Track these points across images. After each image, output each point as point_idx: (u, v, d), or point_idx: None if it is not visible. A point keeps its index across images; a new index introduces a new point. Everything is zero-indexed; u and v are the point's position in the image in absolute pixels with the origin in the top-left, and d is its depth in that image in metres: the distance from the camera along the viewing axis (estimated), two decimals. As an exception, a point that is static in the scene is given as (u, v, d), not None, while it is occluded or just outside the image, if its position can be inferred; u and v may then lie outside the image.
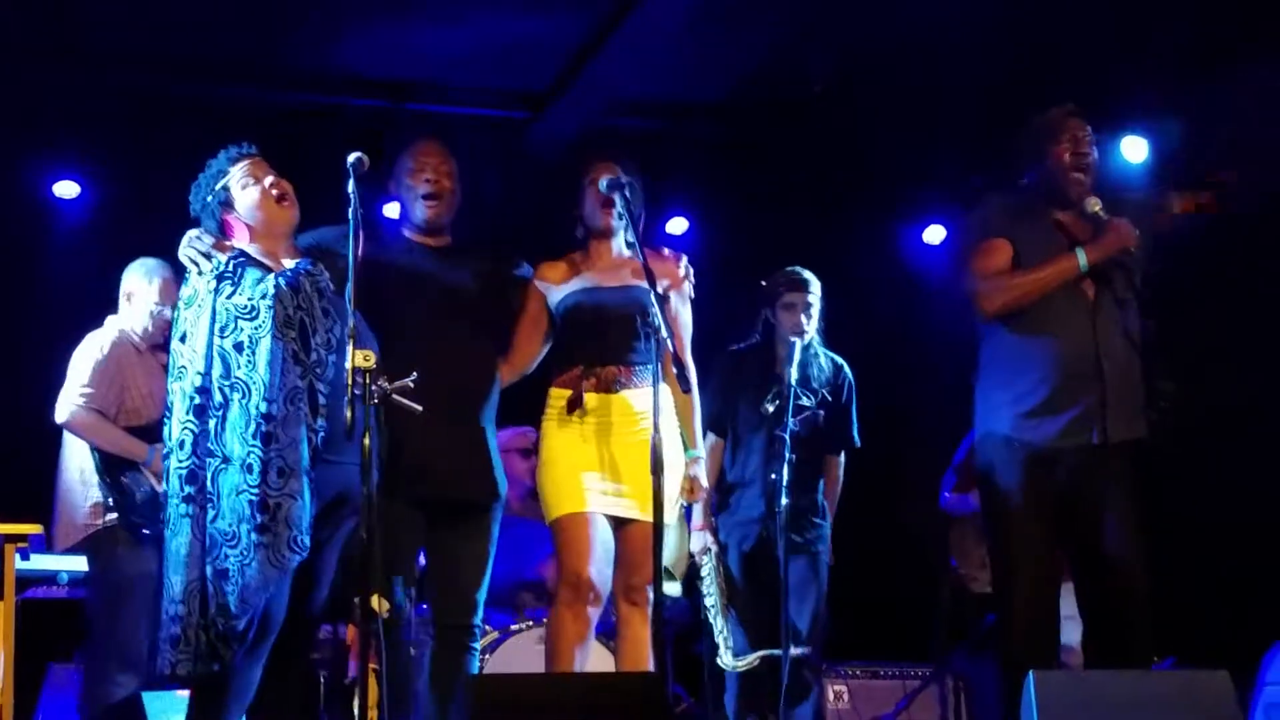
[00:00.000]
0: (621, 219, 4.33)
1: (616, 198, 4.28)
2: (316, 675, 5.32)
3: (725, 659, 5.30)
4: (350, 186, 3.86)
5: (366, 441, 3.61)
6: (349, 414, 3.59)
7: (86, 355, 4.89)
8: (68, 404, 4.81)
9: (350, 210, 3.82)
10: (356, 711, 3.71)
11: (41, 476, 5.10)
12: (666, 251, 4.47)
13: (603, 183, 4.29)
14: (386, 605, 3.87)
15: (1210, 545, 6.28)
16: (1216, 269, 6.06)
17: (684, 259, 4.42)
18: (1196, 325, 5.97)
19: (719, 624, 5.36)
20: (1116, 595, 4.24)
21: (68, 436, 4.92)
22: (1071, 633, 5.68)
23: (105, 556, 4.80)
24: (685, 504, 5.54)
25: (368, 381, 3.64)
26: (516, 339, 4.43)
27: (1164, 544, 4.36)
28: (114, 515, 4.79)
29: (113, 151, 6.54)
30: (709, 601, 5.40)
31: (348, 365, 3.63)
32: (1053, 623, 4.31)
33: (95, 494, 4.83)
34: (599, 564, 4.20)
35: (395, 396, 3.76)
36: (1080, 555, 4.35)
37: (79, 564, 4.89)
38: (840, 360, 5.47)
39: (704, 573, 5.41)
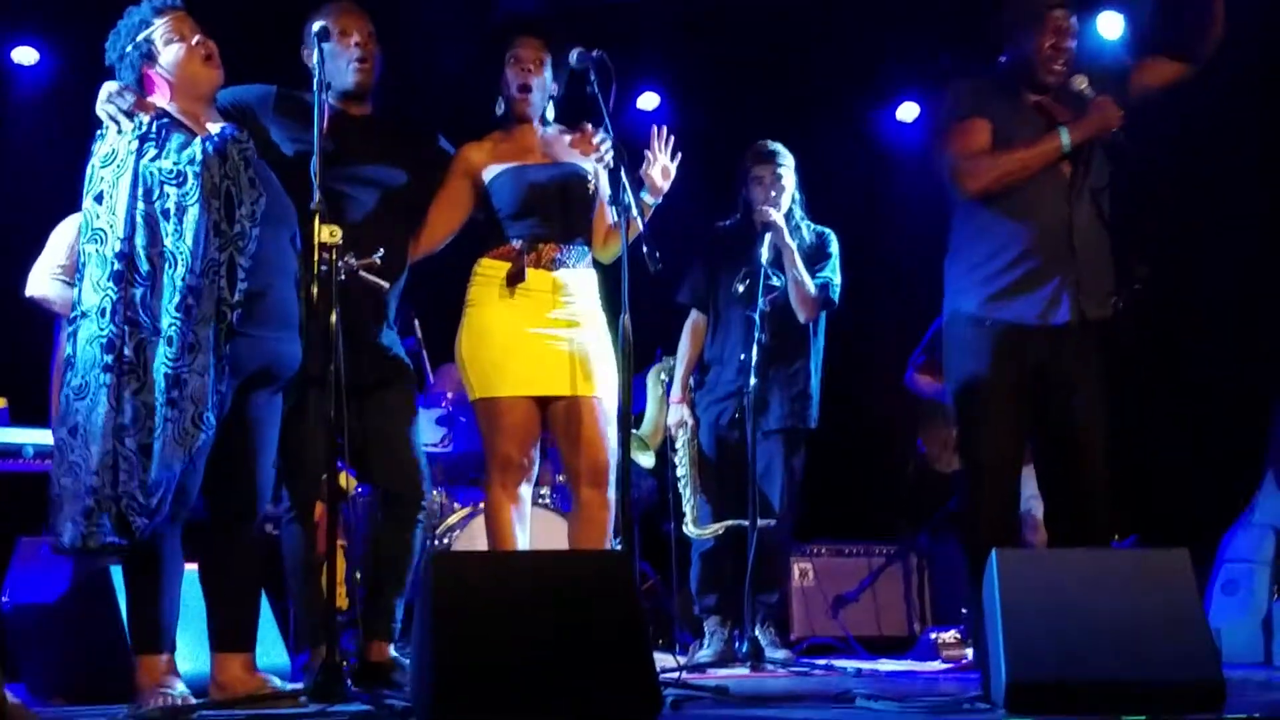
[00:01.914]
0: (545, 101, 4.29)
1: (591, 74, 4.18)
2: (283, 552, 5.34)
3: (690, 528, 5.36)
4: (315, 57, 3.78)
5: (333, 319, 3.57)
6: (314, 290, 3.55)
7: (64, 233, 4.84)
8: (40, 277, 4.76)
9: (315, 82, 3.75)
10: (325, 588, 3.71)
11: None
12: (588, 127, 4.39)
13: (573, 55, 4.21)
14: (354, 483, 3.88)
15: (1174, 426, 6.35)
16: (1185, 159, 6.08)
17: (601, 133, 4.25)
18: (1166, 211, 5.99)
19: (686, 494, 5.41)
20: (1079, 477, 4.27)
21: None
22: (1037, 510, 5.77)
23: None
24: (667, 380, 5.59)
25: (334, 257, 3.59)
26: (431, 215, 4.33)
27: (1129, 425, 4.39)
28: (89, 388, 4.78)
29: (73, 16, 6.37)
30: (680, 473, 5.46)
31: (315, 241, 3.58)
32: (1015, 503, 4.39)
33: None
34: (526, 444, 4.22)
35: (362, 273, 3.73)
36: (1045, 436, 4.37)
37: (45, 437, 4.86)
38: (826, 230, 5.45)
39: (678, 445, 5.47)
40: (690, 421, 5.46)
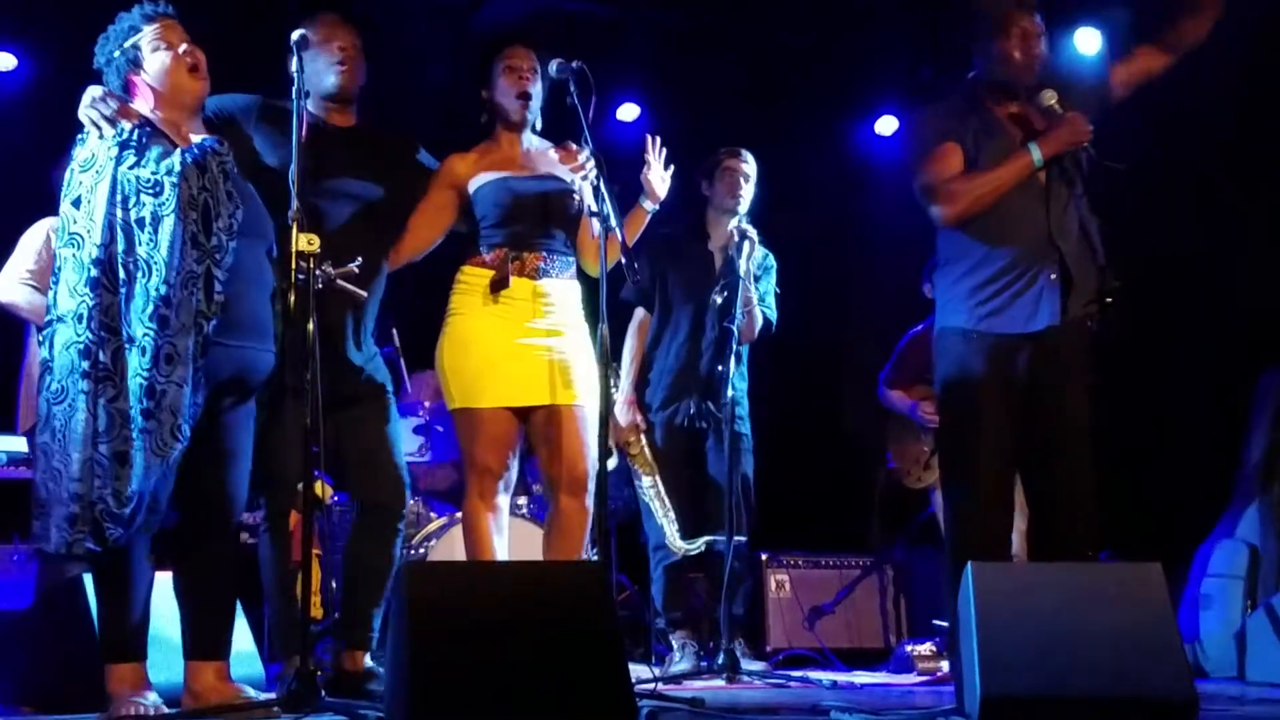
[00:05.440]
0: (533, 114, 4.32)
1: (570, 84, 4.19)
2: (259, 561, 5.32)
3: (675, 541, 5.31)
4: (294, 65, 3.77)
5: (310, 327, 3.57)
6: (291, 299, 3.54)
7: (33, 238, 4.84)
8: (9, 282, 4.75)
9: (294, 90, 3.74)
10: (299, 596, 3.69)
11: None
12: (573, 145, 4.39)
13: (553, 66, 4.22)
14: (330, 491, 3.87)
15: (1148, 440, 6.37)
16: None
17: (586, 150, 4.26)
18: (1143, 220, 6.01)
19: (658, 506, 5.35)
20: (1063, 490, 4.25)
21: None
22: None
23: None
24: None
25: (311, 266, 3.58)
26: (412, 225, 4.33)
27: (1102, 439, 4.39)
28: (65, 394, 4.75)
29: (51, 22, 6.34)
30: (645, 483, 5.41)
31: (291, 249, 3.57)
32: (1008, 515, 4.28)
33: (50, 374, 4.78)
34: (505, 454, 4.24)
35: (339, 282, 3.72)
36: (1030, 448, 4.34)
37: (17, 444, 4.84)
38: (768, 251, 5.50)
39: (633, 451, 5.41)
40: (643, 425, 5.44)
